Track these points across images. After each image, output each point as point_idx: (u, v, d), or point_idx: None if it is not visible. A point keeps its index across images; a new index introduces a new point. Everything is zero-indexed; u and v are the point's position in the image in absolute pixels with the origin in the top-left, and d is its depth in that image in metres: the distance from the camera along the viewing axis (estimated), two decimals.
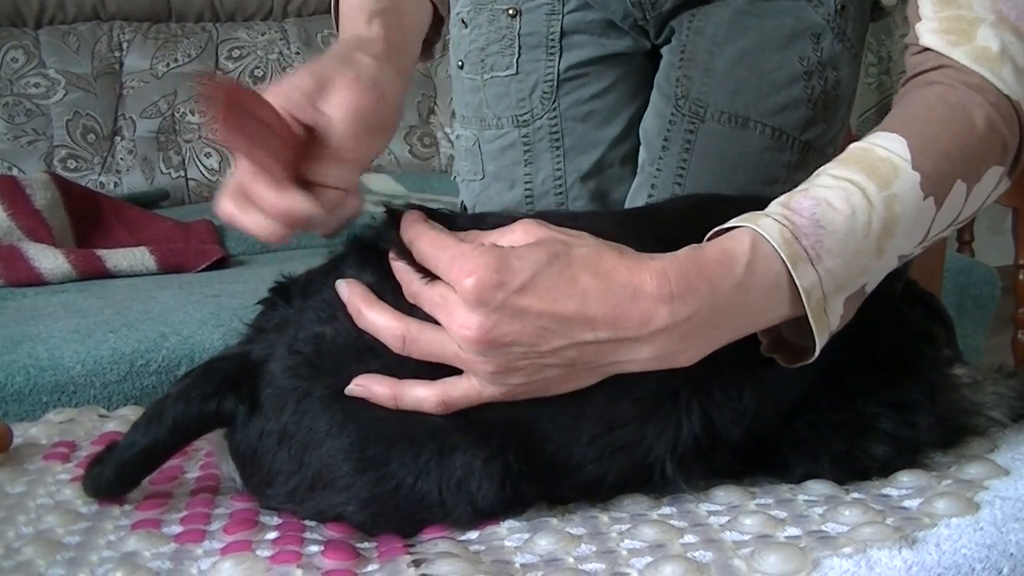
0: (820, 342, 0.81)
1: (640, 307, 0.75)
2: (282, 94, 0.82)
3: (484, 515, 0.81)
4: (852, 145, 0.88)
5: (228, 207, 0.81)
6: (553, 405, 0.80)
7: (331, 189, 0.81)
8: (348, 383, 0.80)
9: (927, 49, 0.93)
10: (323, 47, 3.16)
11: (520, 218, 0.82)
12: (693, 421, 0.83)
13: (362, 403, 0.80)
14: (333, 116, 0.82)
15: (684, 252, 0.78)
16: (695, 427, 0.83)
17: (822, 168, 0.86)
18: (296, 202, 0.79)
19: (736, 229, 0.80)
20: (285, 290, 0.87)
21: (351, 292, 0.82)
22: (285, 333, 0.83)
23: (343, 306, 0.83)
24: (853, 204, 0.82)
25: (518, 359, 0.76)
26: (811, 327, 0.80)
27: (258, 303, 0.88)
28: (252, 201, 0.80)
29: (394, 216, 0.84)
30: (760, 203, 0.84)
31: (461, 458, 0.79)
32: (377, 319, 0.80)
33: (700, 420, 0.83)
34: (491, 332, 0.74)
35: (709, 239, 0.81)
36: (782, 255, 0.78)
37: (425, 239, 0.79)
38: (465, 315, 0.75)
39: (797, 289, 0.79)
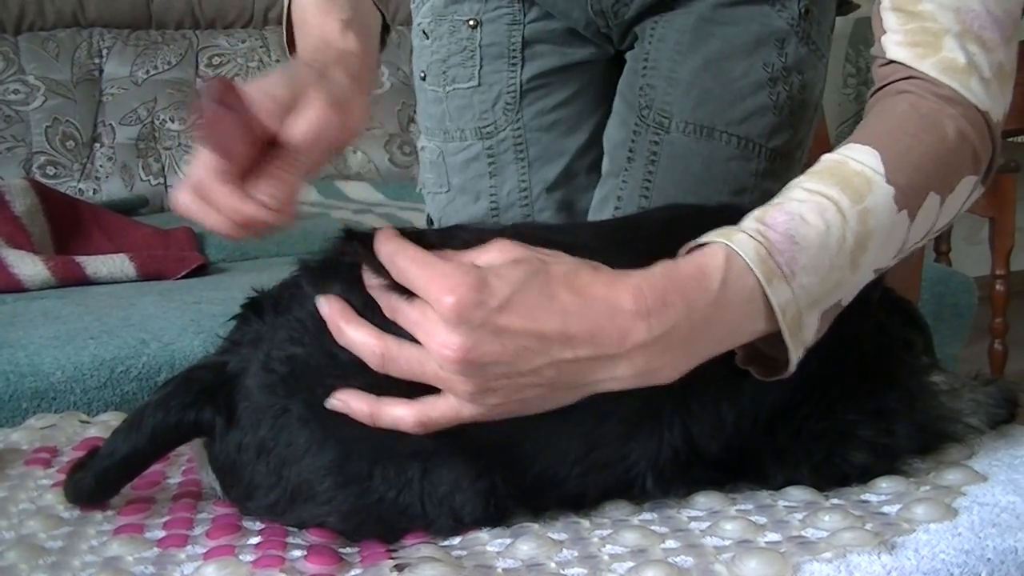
0: (795, 357, 0.81)
1: (617, 323, 0.75)
2: (257, 99, 0.81)
3: (466, 527, 0.82)
4: (825, 156, 0.88)
5: (186, 200, 0.82)
6: (542, 424, 0.80)
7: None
8: (325, 398, 0.80)
9: (894, 61, 0.94)
10: None
11: (493, 233, 0.82)
12: (674, 435, 0.84)
13: (343, 420, 0.79)
14: (296, 134, 0.82)
15: (659, 268, 0.79)
16: (676, 441, 0.84)
17: (795, 180, 0.86)
18: (255, 211, 0.81)
19: (711, 244, 0.81)
20: (258, 305, 0.87)
21: (331, 309, 0.81)
22: (259, 349, 0.83)
23: (315, 325, 0.82)
24: (827, 219, 0.82)
25: (498, 378, 0.76)
26: (786, 342, 0.80)
27: (231, 319, 0.88)
28: (210, 199, 0.81)
29: (355, 236, 0.84)
30: (739, 214, 0.84)
31: (447, 476, 0.80)
32: (356, 336, 0.79)
33: (680, 434, 0.84)
34: (471, 352, 0.74)
35: (685, 254, 0.82)
36: (756, 272, 0.79)
37: (404, 256, 0.78)
38: (445, 334, 0.74)
39: (772, 305, 0.79)
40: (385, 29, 1.04)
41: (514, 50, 1.39)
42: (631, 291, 0.76)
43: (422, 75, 1.46)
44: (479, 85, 1.40)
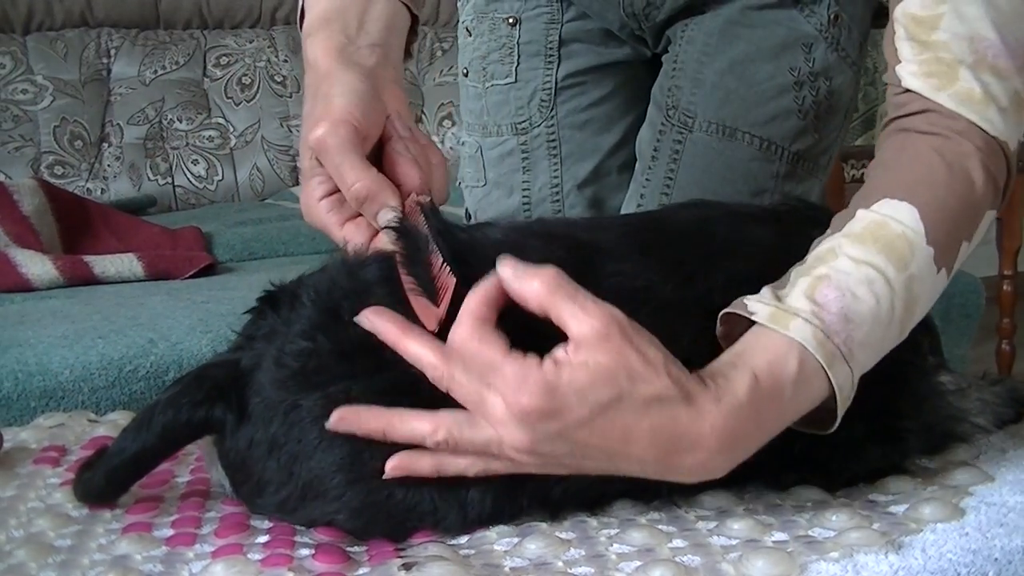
0: (840, 416, 0.82)
1: (697, 458, 0.76)
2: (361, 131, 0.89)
3: (476, 522, 0.82)
4: (861, 215, 0.86)
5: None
6: None
7: None
8: (338, 396, 0.79)
9: (910, 90, 0.93)
10: None
11: (521, 229, 0.82)
12: None
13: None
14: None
15: (745, 394, 0.76)
16: None
17: (836, 244, 0.84)
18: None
19: (775, 337, 0.79)
20: (274, 299, 0.87)
21: (364, 417, 0.78)
22: (273, 343, 0.83)
23: (328, 321, 0.82)
24: (876, 292, 0.82)
25: (561, 460, 0.76)
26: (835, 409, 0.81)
27: (246, 312, 0.88)
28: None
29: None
30: (762, 221, 0.84)
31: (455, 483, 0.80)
32: (414, 427, 0.77)
33: None
34: (538, 447, 0.74)
35: (723, 317, 0.82)
36: (822, 363, 0.78)
37: (477, 337, 0.75)
38: (513, 428, 0.74)
39: (830, 384, 0.79)
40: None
41: (551, 48, 1.41)
42: (717, 432, 0.75)
43: (464, 71, 1.49)
44: (516, 81, 1.42)
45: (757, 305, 0.80)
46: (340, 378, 0.80)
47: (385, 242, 0.84)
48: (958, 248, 0.88)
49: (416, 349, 0.77)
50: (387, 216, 0.85)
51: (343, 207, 0.89)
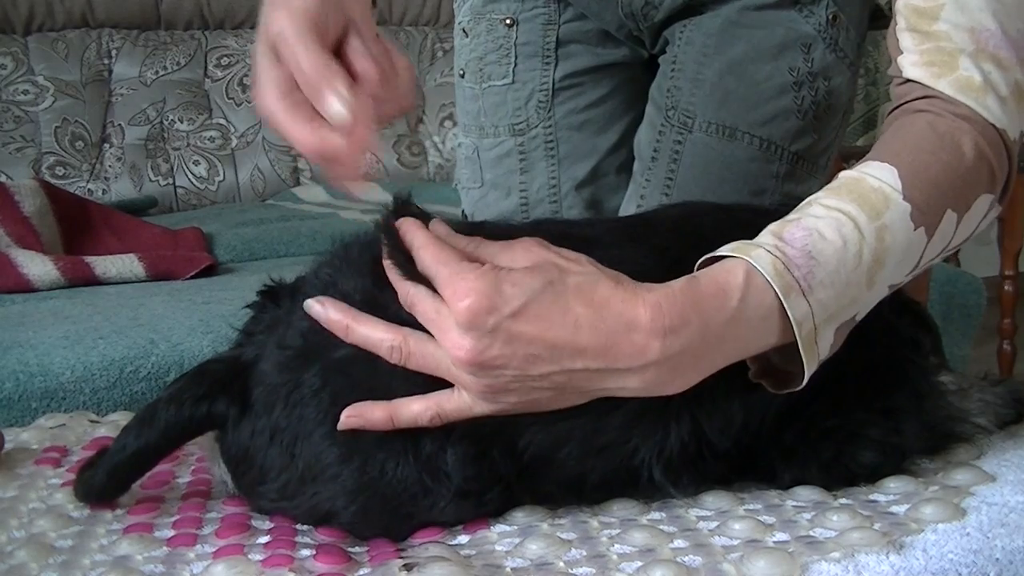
0: (809, 371, 0.81)
1: (633, 340, 0.76)
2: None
3: (463, 496, 0.82)
4: (843, 173, 0.88)
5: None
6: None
7: None
8: (335, 365, 0.81)
9: (911, 80, 0.94)
10: None
11: (519, 228, 0.83)
12: (682, 427, 0.84)
13: (347, 389, 0.80)
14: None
15: (679, 284, 0.79)
16: (683, 433, 0.84)
17: (813, 196, 0.87)
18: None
19: (729, 259, 0.81)
20: (274, 293, 0.88)
21: (333, 310, 0.82)
22: (275, 333, 0.84)
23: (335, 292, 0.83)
24: (844, 235, 0.82)
25: (509, 381, 0.77)
26: (800, 356, 0.81)
27: (246, 307, 0.89)
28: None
29: (397, 213, 0.85)
30: (753, 212, 0.84)
31: (435, 434, 0.80)
32: (371, 333, 0.80)
33: (689, 427, 0.84)
34: (482, 355, 0.75)
35: (701, 265, 0.82)
36: (775, 287, 0.79)
37: (428, 251, 0.80)
38: (458, 336, 0.76)
39: (788, 320, 0.79)
40: None
41: (548, 49, 1.41)
42: (650, 308, 0.76)
43: (461, 73, 1.49)
44: (513, 82, 1.42)
45: (725, 248, 0.82)
46: (338, 346, 0.81)
47: (334, 138, 0.79)
48: (941, 213, 0.87)
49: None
50: (333, 102, 0.79)
51: (300, 108, 0.80)
